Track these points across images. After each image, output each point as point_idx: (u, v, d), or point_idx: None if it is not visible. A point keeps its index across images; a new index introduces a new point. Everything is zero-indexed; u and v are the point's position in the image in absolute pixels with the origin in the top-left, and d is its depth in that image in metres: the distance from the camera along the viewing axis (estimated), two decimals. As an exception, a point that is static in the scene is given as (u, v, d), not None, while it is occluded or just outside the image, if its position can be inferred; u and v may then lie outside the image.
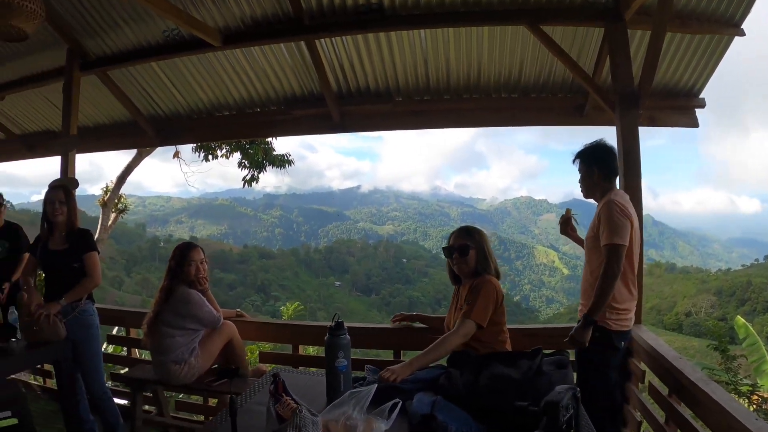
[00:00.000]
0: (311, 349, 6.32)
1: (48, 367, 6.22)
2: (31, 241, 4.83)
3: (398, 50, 5.35)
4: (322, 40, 5.28)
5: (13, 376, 5.33)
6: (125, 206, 15.42)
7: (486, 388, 2.59)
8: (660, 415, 3.41)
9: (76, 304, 4.42)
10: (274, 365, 4.80)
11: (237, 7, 5.06)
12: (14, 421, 4.50)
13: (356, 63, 5.55)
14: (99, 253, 4.53)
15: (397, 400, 2.39)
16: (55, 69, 6.49)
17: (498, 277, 3.54)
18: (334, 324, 2.84)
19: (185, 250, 4.44)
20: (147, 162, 15.58)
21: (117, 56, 6.03)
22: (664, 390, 3.39)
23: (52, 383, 6.37)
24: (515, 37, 5.06)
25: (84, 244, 4.46)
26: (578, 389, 2.26)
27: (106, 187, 14.94)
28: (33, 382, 6.53)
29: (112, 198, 14.71)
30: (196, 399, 5.98)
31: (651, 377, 3.72)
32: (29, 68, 6.74)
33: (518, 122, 5.87)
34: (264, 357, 5.20)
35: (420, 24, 4.87)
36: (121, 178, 14.89)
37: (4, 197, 6.00)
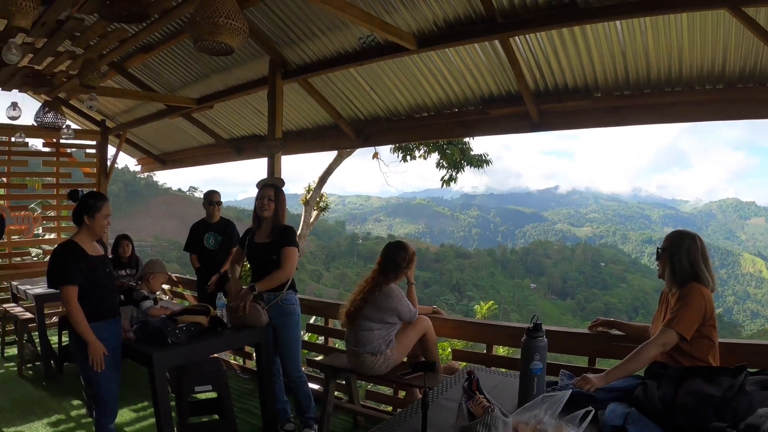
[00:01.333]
0: (501, 350, 6.29)
1: (248, 349, 6.74)
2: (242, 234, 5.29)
3: (594, 44, 5.10)
4: (517, 37, 5.16)
5: (216, 355, 5.79)
6: (326, 204, 16.18)
7: (683, 406, 2.47)
8: None
9: (279, 293, 4.78)
10: (466, 363, 4.86)
11: (429, 11, 5.10)
12: (214, 394, 4.95)
13: (552, 59, 5.36)
14: (298, 249, 4.86)
15: (589, 408, 2.32)
16: (258, 79, 6.99)
17: (709, 287, 3.27)
18: (532, 326, 2.84)
19: (396, 248, 4.68)
20: (347, 163, 16.26)
21: (316, 64, 6.31)
22: None
23: (251, 364, 6.89)
24: (717, 22, 4.59)
25: (284, 239, 4.80)
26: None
27: (308, 186, 15.79)
28: (233, 361, 7.11)
29: (313, 197, 15.52)
30: (385, 390, 6.18)
31: None
32: (235, 79, 7.31)
33: (724, 116, 5.33)
34: (457, 354, 5.24)
35: (615, 14, 4.59)
36: (322, 179, 15.66)
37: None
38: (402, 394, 5.34)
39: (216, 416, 5.13)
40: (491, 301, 15.96)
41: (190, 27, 3.73)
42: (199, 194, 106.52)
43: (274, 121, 6.44)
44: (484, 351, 4.88)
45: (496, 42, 5.21)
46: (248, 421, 5.39)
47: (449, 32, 5.20)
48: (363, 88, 6.63)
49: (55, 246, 4.28)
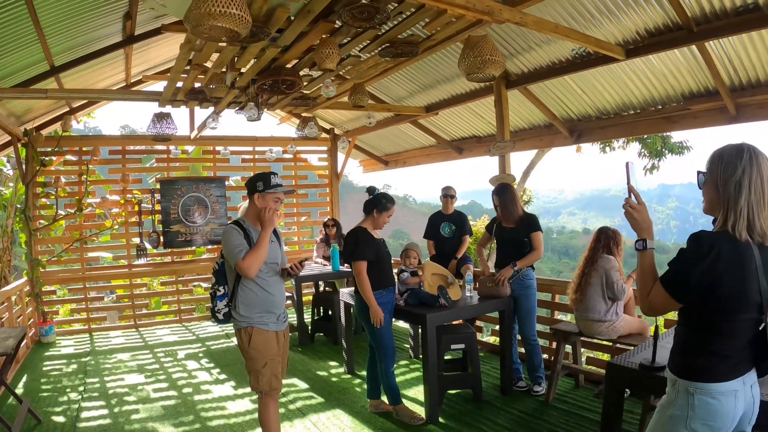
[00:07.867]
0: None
1: (479, 323, 7.82)
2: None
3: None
4: (711, 41, 5.48)
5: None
6: (529, 198, 16.72)
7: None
8: None
9: (520, 270, 5.71)
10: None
11: (631, 22, 5.62)
12: (461, 354, 6.11)
13: (744, 58, 5.65)
14: (542, 232, 5.76)
15: None
16: (481, 88, 7.88)
17: None
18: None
19: (604, 232, 5.55)
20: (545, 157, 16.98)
21: (533, 74, 7.01)
22: None
23: (480, 336, 8.07)
24: None
25: (531, 225, 5.74)
26: None
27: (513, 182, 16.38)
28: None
29: (517, 191, 16.07)
30: (603, 356, 6.89)
31: None
32: (458, 88, 8.25)
33: None
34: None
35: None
36: (526, 173, 16.26)
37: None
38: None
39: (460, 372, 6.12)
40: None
41: (462, 64, 4.73)
42: (393, 191, 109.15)
43: (503, 125, 7.28)
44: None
45: (693, 47, 5.65)
46: (484, 380, 6.23)
47: (651, 42, 5.75)
48: (575, 92, 7.27)
49: (348, 231, 5.44)
